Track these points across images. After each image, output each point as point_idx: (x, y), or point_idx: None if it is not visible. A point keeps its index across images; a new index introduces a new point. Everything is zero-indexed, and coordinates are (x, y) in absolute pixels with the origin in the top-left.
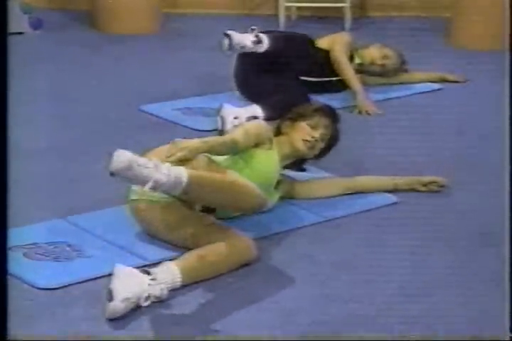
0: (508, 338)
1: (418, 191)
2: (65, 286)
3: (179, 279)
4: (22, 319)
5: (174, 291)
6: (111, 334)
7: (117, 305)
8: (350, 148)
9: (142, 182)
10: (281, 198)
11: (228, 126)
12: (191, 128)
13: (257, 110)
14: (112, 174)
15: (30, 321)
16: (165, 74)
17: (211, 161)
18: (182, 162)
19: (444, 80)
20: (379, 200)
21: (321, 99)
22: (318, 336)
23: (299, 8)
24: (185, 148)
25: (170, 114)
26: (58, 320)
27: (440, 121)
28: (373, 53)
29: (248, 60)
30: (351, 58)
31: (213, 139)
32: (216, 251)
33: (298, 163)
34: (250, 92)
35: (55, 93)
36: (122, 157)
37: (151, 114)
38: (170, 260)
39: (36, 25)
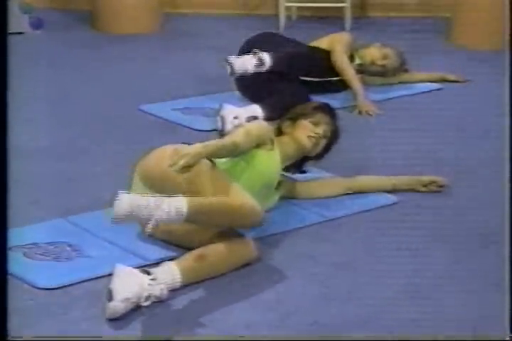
0: (508, 338)
1: (418, 191)
2: (65, 286)
3: (179, 279)
4: (22, 319)
5: (174, 291)
6: (111, 334)
7: (117, 305)
8: (350, 148)
9: (145, 222)
10: (282, 198)
11: (228, 126)
12: (191, 128)
13: (257, 110)
14: (116, 221)
15: (30, 321)
16: (165, 74)
17: (213, 166)
18: (185, 168)
19: (444, 80)
20: (379, 200)
21: (321, 99)
22: (318, 336)
23: (299, 8)
24: (186, 155)
25: (170, 113)
26: (58, 320)
27: (440, 121)
28: (373, 53)
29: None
30: (351, 58)
31: (214, 143)
32: (216, 251)
33: (298, 164)
34: (250, 92)
35: (55, 93)
36: (123, 204)
37: (151, 114)
38: (170, 260)
39: (36, 25)
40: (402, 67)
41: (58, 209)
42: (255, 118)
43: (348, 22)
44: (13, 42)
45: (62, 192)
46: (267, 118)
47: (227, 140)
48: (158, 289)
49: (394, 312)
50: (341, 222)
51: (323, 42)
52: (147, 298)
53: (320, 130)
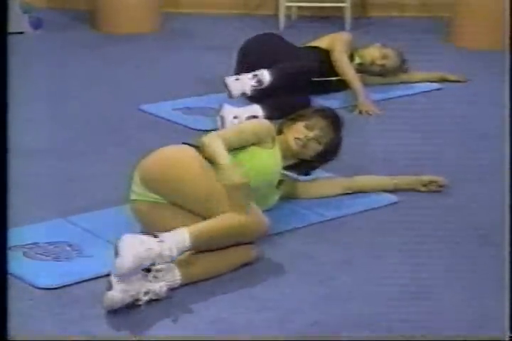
0: (508, 338)
1: (418, 191)
2: (65, 286)
3: (179, 278)
4: (22, 319)
5: (173, 290)
6: (111, 334)
7: (115, 295)
8: (351, 147)
9: (151, 265)
10: (282, 198)
11: (228, 126)
12: (191, 128)
13: (257, 110)
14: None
15: (30, 321)
16: (165, 74)
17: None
18: None
19: (444, 80)
20: (379, 200)
21: (321, 98)
22: (318, 336)
23: (299, 7)
24: None
25: (170, 113)
26: (58, 320)
27: (440, 121)
28: (373, 53)
29: (249, 58)
30: (351, 58)
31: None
32: (216, 251)
33: (302, 166)
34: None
35: (55, 93)
36: (125, 261)
37: (151, 114)
38: None
39: (36, 24)
40: (402, 67)
41: (58, 209)
42: (255, 117)
43: (348, 22)
44: (13, 42)
45: (62, 192)
46: (267, 118)
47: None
48: (158, 286)
49: (394, 312)
50: (341, 222)
51: (323, 42)
52: (146, 294)
53: (311, 134)
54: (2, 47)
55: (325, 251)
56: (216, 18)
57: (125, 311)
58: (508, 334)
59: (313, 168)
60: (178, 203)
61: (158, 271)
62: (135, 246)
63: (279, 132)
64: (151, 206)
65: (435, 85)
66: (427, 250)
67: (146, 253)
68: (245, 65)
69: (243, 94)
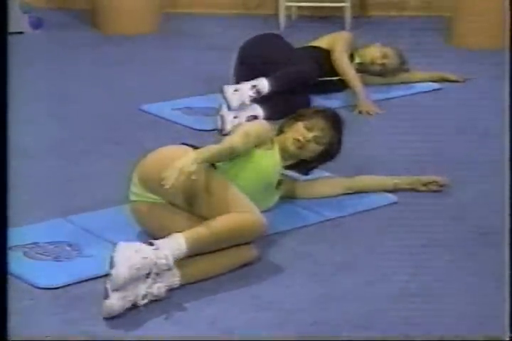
0: (508, 338)
1: (418, 191)
2: (65, 286)
3: (178, 278)
4: (22, 319)
5: (173, 290)
6: (111, 334)
7: (114, 303)
8: (351, 147)
9: (147, 274)
10: (282, 198)
11: (228, 126)
12: (191, 128)
13: (257, 110)
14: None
15: (30, 321)
16: (165, 74)
17: (210, 167)
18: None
19: (444, 80)
20: (379, 200)
21: (321, 98)
22: (318, 336)
23: (299, 7)
24: (181, 171)
25: (170, 113)
26: (58, 320)
27: (440, 121)
28: (373, 53)
29: (248, 60)
30: (351, 57)
31: (209, 149)
32: (216, 251)
33: (302, 166)
34: None
35: (55, 93)
36: (121, 272)
37: (151, 114)
38: None
39: (36, 24)
40: (402, 67)
41: (58, 209)
42: (255, 117)
43: (348, 21)
44: (13, 42)
45: (62, 192)
46: (267, 118)
47: (224, 144)
48: (156, 288)
49: (394, 312)
50: (341, 222)
51: (323, 42)
52: (144, 297)
53: (310, 135)
54: (2, 47)
55: (325, 251)
56: (216, 18)
57: (125, 311)
58: (508, 334)
59: (313, 168)
60: (177, 203)
61: (156, 273)
62: (130, 256)
63: (280, 132)
64: (150, 206)
65: (435, 85)
66: (427, 250)
67: (141, 262)
68: (244, 68)
69: (242, 105)
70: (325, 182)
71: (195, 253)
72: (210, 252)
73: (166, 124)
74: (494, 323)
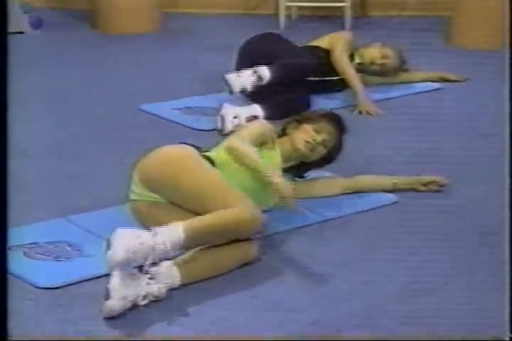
0: (507, 338)
1: (418, 191)
2: (65, 286)
3: (178, 278)
4: (22, 319)
5: (173, 291)
6: (111, 334)
7: (114, 304)
8: (351, 147)
9: (144, 261)
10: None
11: (228, 126)
12: (191, 128)
13: (257, 110)
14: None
15: (30, 321)
16: (165, 73)
17: (211, 167)
18: None
19: (444, 80)
20: (379, 200)
21: (321, 98)
22: (318, 336)
23: (299, 7)
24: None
25: (170, 113)
26: (58, 320)
27: (440, 121)
28: (373, 53)
29: (249, 58)
30: (351, 57)
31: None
32: (216, 250)
33: (297, 168)
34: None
35: (55, 93)
36: (117, 253)
37: (151, 114)
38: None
39: (36, 24)
40: (402, 67)
41: (58, 208)
42: (255, 117)
43: (348, 21)
44: (13, 41)
45: (62, 192)
46: (267, 118)
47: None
48: (156, 288)
49: (394, 311)
50: (341, 222)
51: (323, 42)
52: (145, 297)
53: (319, 137)
54: (2, 47)
55: (325, 251)
56: (216, 18)
57: (125, 312)
58: (508, 334)
59: (309, 170)
60: (177, 202)
61: (157, 272)
62: (127, 239)
63: (283, 134)
64: (150, 205)
65: (435, 85)
66: (427, 250)
67: (138, 247)
68: (245, 63)
69: (244, 90)
70: (325, 182)
71: (192, 243)
72: (210, 251)
73: (166, 124)
74: (494, 323)
